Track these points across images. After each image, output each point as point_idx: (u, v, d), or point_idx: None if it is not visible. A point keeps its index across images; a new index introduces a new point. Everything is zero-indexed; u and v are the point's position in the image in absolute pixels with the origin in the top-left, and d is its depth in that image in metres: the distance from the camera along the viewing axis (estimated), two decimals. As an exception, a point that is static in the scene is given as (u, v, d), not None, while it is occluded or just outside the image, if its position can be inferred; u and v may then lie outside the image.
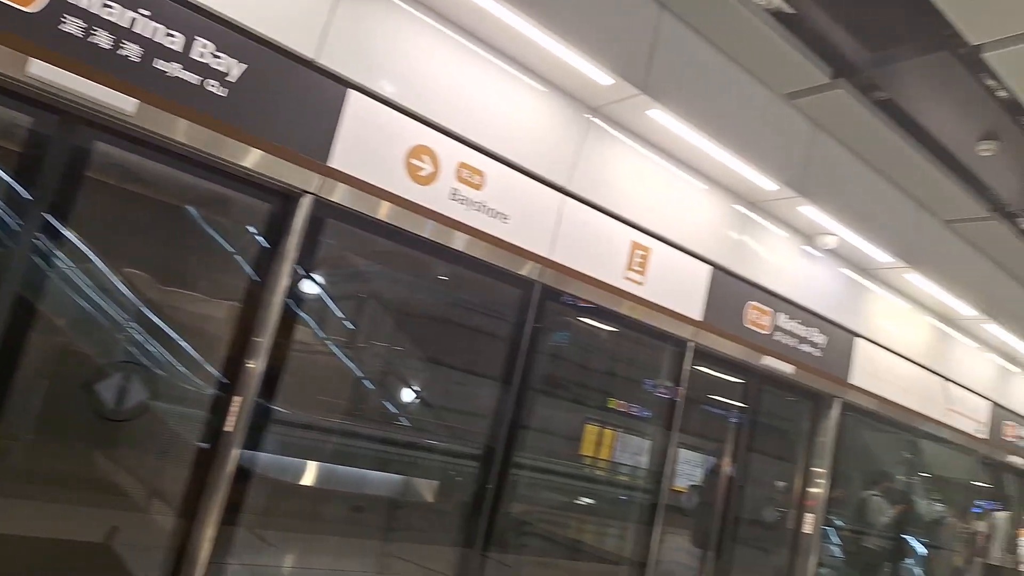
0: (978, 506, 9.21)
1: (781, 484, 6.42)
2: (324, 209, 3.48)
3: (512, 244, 4.16)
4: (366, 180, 3.58)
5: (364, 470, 4.34)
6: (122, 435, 3.39)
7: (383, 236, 3.79)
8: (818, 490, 6.25)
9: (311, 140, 3.42)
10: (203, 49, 3.11)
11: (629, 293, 4.77)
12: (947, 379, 7.64)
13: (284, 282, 3.37)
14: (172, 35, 3.03)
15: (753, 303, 5.59)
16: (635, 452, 5.42)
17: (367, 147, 3.60)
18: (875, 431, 7.28)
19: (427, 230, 3.84)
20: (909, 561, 7.95)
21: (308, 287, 3.63)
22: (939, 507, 8.56)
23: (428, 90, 3.81)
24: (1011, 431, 8.84)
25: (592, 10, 4.03)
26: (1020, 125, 4.81)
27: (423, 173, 3.79)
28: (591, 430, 5.41)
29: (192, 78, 3.08)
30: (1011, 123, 4.81)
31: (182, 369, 3.55)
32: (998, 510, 9.41)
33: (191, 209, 3.61)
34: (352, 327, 4.41)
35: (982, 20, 3.94)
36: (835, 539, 7.08)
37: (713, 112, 4.64)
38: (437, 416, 4.83)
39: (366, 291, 4.44)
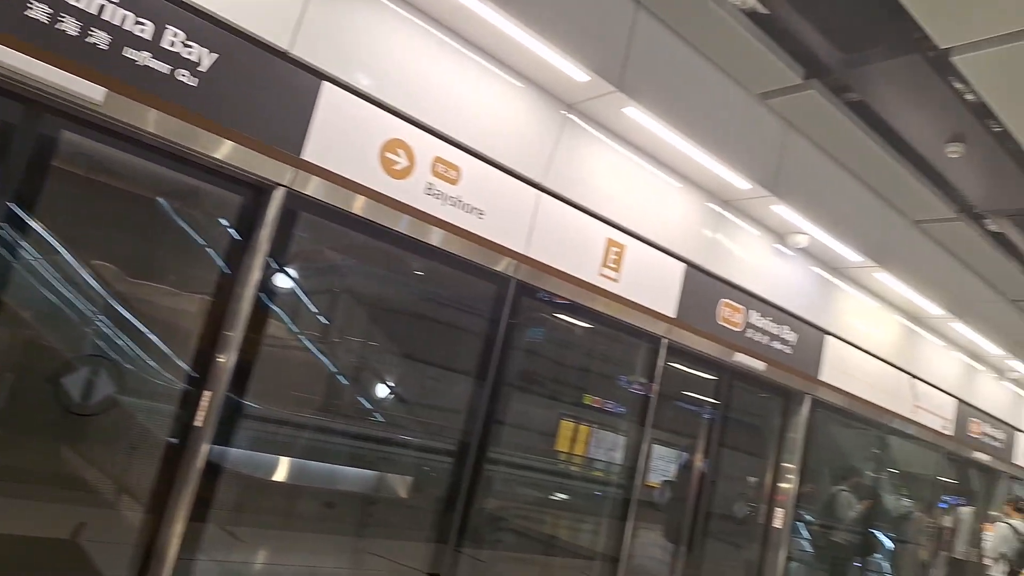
0: (944, 501, 9.40)
1: (752, 479, 6.50)
2: (297, 202, 3.45)
3: (487, 240, 4.15)
4: (340, 173, 3.56)
5: (337, 466, 4.32)
6: (89, 430, 3.34)
7: (357, 230, 3.77)
8: (788, 485, 6.34)
9: (284, 132, 3.39)
10: (173, 38, 3.06)
11: (604, 290, 4.79)
12: (914, 377, 7.79)
13: (256, 276, 3.34)
14: (142, 23, 2.98)
15: (726, 301, 5.64)
16: (609, 448, 5.45)
17: (341, 140, 3.58)
18: (844, 427, 7.40)
19: (402, 224, 3.82)
20: (877, 555, 8.09)
21: (280, 281, 3.60)
22: (906, 502, 8.73)
23: (403, 83, 3.79)
24: (976, 428, 9.04)
25: (569, 7, 4.04)
26: (987, 128, 4.91)
27: (398, 167, 3.78)
28: (566, 426, 5.43)
29: (162, 67, 3.03)
30: (978, 126, 4.90)
31: (151, 363, 3.50)
32: (963, 505, 9.61)
33: (161, 201, 3.55)
34: (326, 322, 4.38)
35: (951, 24, 4.01)
36: (805, 534, 7.19)
37: (687, 111, 4.67)
38: (411, 412, 4.82)
39: (340, 285, 4.41)
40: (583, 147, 4.65)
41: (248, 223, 3.39)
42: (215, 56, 3.16)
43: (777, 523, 6.28)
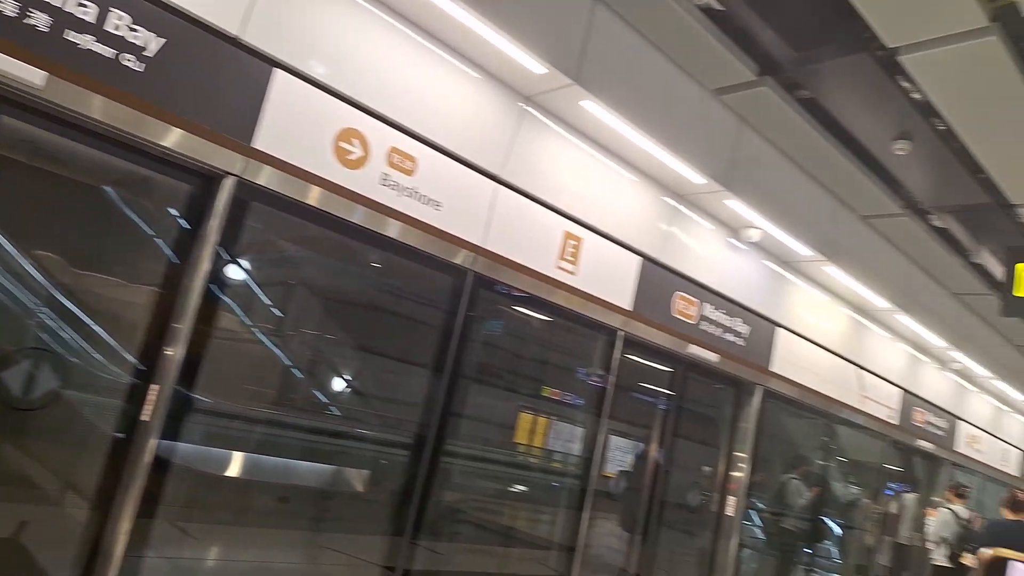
0: (890, 489, 9.71)
1: (705, 469, 6.62)
2: (248, 191, 3.39)
3: (444, 231, 4.14)
4: (292, 163, 3.50)
5: (291, 460, 4.27)
6: (31, 425, 3.23)
7: (311, 221, 3.72)
8: (740, 474, 6.47)
9: (234, 120, 3.32)
10: (118, 21, 2.96)
11: (561, 282, 4.82)
12: (862, 368, 8.01)
13: (205, 267, 3.26)
14: (84, 5, 2.88)
15: (681, 293, 5.72)
16: (566, 439, 5.49)
17: (294, 128, 3.52)
18: (794, 417, 7.59)
19: (357, 216, 3.78)
20: (826, 541, 8.33)
21: (231, 272, 3.53)
22: (854, 489, 8.99)
23: (358, 72, 3.74)
24: (920, 417, 9.34)
25: (526, -1, 4.04)
26: (932, 126, 5.06)
27: (352, 157, 3.73)
28: (523, 418, 5.46)
29: (106, 51, 2.94)
30: (924, 124, 5.04)
31: (96, 356, 3.41)
32: (908, 492, 9.94)
33: (108, 189, 3.45)
34: (279, 314, 4.31)
35: (899, 24, 4.11)
36: (756, 521, 7.36)
37: (643, 105, 4.71)
38: (367, 405, 4.79)
39: (294, 277, 4.35)
40: (541, 140, 4.66)
41: (197, 213, 3.32)
42: (162, 41, 3.08)
43: (729, 511, 6.41)
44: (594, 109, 4.50)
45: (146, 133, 3.07)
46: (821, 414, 7.59)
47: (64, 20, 2.83)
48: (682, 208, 5.70)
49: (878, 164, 5.86)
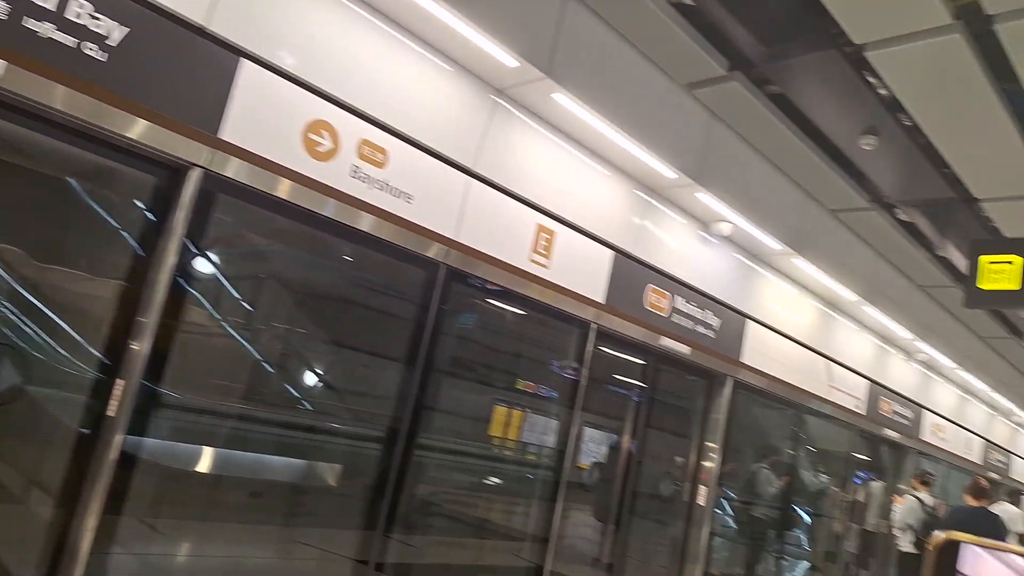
0: (858, 477, 9.89)
1: (677, 459, 6.70)
2: (215, 183, 3.34)
3: (416, 224, 4.12)
4: (260, 154, 3.46)
5: (263, 455, 4.24)
6: (-7, 421, 3.18)
7: (281, 214, 3.68)
8: (711, 464, 6.55)
9: (200, 111, 3.27)
10: (79, 9, 2.90)
11: (534, 275, 4.83)
12: (830, 359, 8.14)
13: (171, 260, 3.21)
14: (44, -8, 2.82)
15: (653, 286, 5.77)
16: (540, 432, 5.52)
17: (261, 120, 3.47)
18: (764, 408, 7.70)
19: (328, 208, 3.75)
20: (796, 530, 8.48)
21: (198, 265, 3.49)
22: (823, 478, 9.15)
23: (327, 63, 3.71)
24: (886, 407, 9.52)
25: (498, -9, 4.02)
26: (899, 122, 5.14)
27: (322, 149, 3.70)
28: (496, 410, 5.47)
29: (68, 40, 2.88)
30: (891, 119, 5.12)
31: (60, 351, 3.36)
32: (874, 480, 10.15)
33: (71, 181, 3.39)
34: (249, 308, 4.27)
35: (866, 21, 4.16)
36: (728, 510, 7.47)
37: (615, 99, 4.73)
38: (339, 399, 4.76)
39: (264, 270, 4.31)
40: (513, 133, 4.66)
41: (163, 205, 3.26)
42: (126, 30, 3.02)
43: (701, 500, 6.49)
44: (566, 103, 4.51)
45: (110, 124, 3.01)
46: (790, 404, 7.71)
47: (23, 7, 2.77)
48: (654, 202, 5.74)
49: (846, 159, 5.94)
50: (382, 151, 3.95)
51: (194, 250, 3.37)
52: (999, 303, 5.56)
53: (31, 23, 2.79)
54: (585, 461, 6.36)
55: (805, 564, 8.85)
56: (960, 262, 7.37)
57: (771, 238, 6.27)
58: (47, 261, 3.41)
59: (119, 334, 3.18)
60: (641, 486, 6.14)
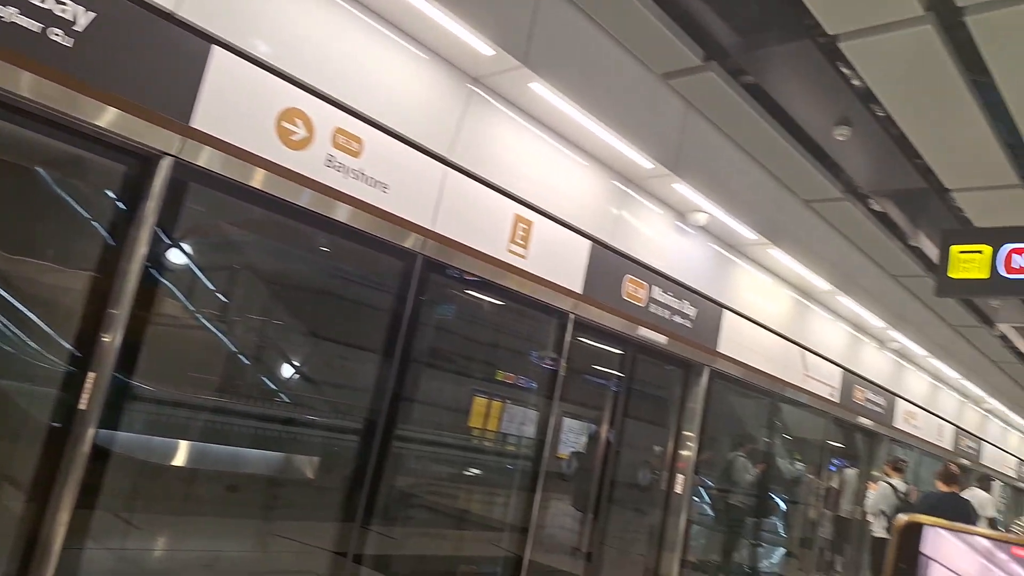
0: (833, 464, 10.04)
1: (655, 448, 6.75)
2: (187, 172, 3.29)
3: (392, 214, 4.10)
4: (233, 143, 3.41)
5: (240, 448, 4.20)
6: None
7: (255, 203, 3.64)
8: (688, 453, 6.61)
9: (171, 99, 3.21)
10: (44, -7, 2.84)
11: (512, 266, 4.83)
12: (804, 348, 8.24)
13: (142, 250, 3.16)
14: (7, -24, 2.75)
15: (630, 276, 5.79)
16: (519, 422, 5.53)
17: (234, 108, 3.42)
18: (740, 396, 7.78)
19: (303, 198, 3.71)
20: (772, 517, 8.60)
21: (170, 256, 3.44)
22: (798, 466, 9.28)
23: (300, 50, 3.66)
24: (860, 395, 9.67)
25: (473, -21, 4.00)
26: (872, 112, 5.19)
27: (296, 137, 3.65)
28: (474, 401, 5.47)
29: (32, 25, 2.81)
30: (864, 110, 5.18)
31: (30, 343, 3.30)
32: (848, 467, 10.31)
33: (39, 171, 3.32)
34: (223, 299, 4.22)
35: (839, 11, 4.20)
36: (705, 498, 7.55)
37: (592, 88, 4.73)
38: (316, 391, 4.73)
39: (239, 261, 4.26)
40: (490, 122, 4.64)
41: (133, 194, 3.21)
42: (92, 15, 2.95)
43: (678, 489, 6.55)
44: (543, 92, 4.50)
45: (77, 111, 2.95)
46: (766, 393, 7.79)
47: (-15, -9, 2.70)
48: (631, 192, 5.76)
49: (820, 149, 6.00)
50: (357, 140, 3.92)
51: (166, 240, 3.32)
52: (969, 292, 5.65)
53: (-6, 7, 2.72)
54: (564, 451, 6.38)
55: (781, 550, 8.98)
56: (931, 252, 7.48)
57: (746, 228, 6.32)
58: (15, 252, 3.34)
59: (90, 326, 3.13)
60: (619, 475, 6.18)
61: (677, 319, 6.27)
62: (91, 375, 3.09)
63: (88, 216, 3.43)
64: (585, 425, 6.62)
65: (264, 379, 4.54)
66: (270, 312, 4.49)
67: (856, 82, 4.85)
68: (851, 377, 9.32)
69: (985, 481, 10.73)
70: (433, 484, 5.39)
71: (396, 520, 4.89)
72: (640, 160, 5.24)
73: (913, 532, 0.80)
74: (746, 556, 8.03)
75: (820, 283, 7.65)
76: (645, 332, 5.93)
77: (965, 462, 13.29)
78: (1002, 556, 0.75)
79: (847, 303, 8.31)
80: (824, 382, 8.68)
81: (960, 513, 6.10)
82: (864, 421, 9.85)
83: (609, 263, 5.58)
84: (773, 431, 8.27)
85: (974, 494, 9.84)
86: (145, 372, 3.34)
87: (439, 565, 5.14)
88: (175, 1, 3.19)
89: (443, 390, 5.28)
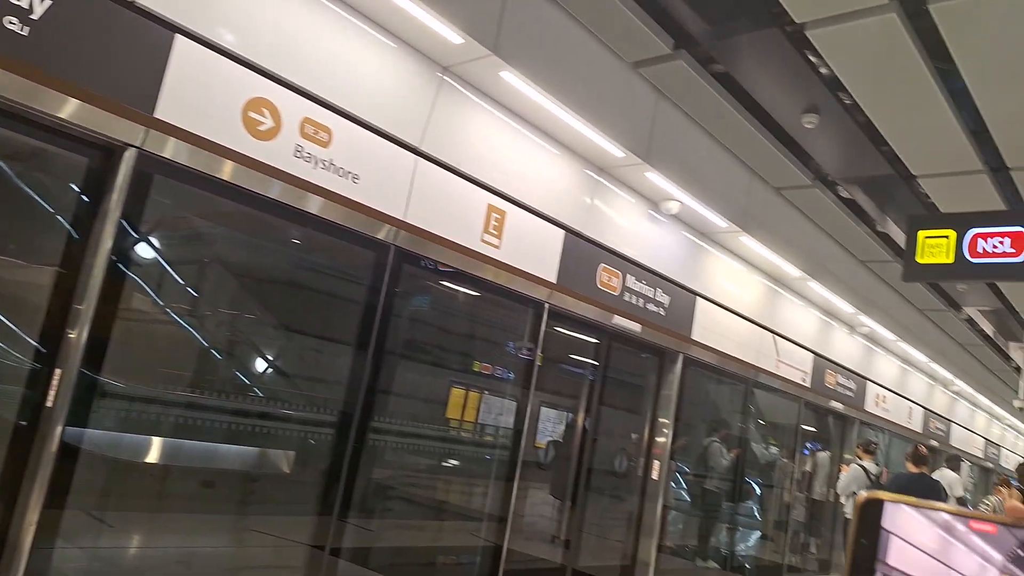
0: (806, 448, 10.19)
1: (631, 435, 6.81)
2: (152, 164, 3.24)
3: (363, 205, 4.07)
4: (198, 133, 3.35)
5: (214, 443, 4.16)
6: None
7: (223, 195, 3.59)
8: (664, 439, 6.68)
9: (133, 89, 3.15)
10: (-3, -20, 2.77)
11: (486, 256, 4.82)
12: (776, 333, 8.34)
13: (107, 245, 3.11)
14: (-41, -37, 2.68)
15: (604, 265, 5.81)
16: (496, 412, 5.54)
17: (198, 98, 3.37)
18: (715, 383, 7.87)
19: (273, 190, 3.67)
20: (748, 501, 8.72)
21: (137, 249, 3.39)
22: (772, 450, 9.42)
23: (266, 39, 3.61)
24: (831, 379, 9.82)
25: (442, -33, 3.97)
26: (839, 100, 5.25)
27: (263, 128, 3.61)
28: (450, 392, 5.47)
29: (-14, 14, 2.74)
30: (831, 98, 5.23)
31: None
32: (821, 450, 10.47)
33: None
34: (193, 293, 4.17)
35: (807, 0, 4.24)
36: (681, 483, 7.63)
37: (563, 77, 4.72)
38: (291, 384, 4.70)
39: (208, 254, 4.21)
40: (461, 112, 4.62)
41: (97, 187, 3.15)
42: (49, 2, 2.88)
43: (654, 475, 6.61)
44: (513, 81, 4.48)
45: (36, 102, 2.89)
46: (740, 379, 7.88)
47: (-64, -21, 2.63)
48: (604, 181, 5.77)
49: (789, 137, 6.05)
50: (326, 130, 3.88)
51: (132, 234, 3.27)
52: (936, 276, 5.77)
53: (-54, -4, 2.65)
54: (541, 440, 6.41)
55: (756, 533, 9.12)
56: (899, 237, 7.60)
57: (718, 216, 6.37)
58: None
59: (55, 322, 3.08)
60: (596, 463, 6.22)
61: (651, 307, 6.31)
62: (57, 372, 3.04)
63: (51, 210, 3.36)
64: (562, 414, 6.64)
65: (237, 373, 4.50)
66: (241, 306, 4.44)
67: (824, 70, 4.89)
68: (822, 362, 9.46)
69: (954, 461, 10.94)
70: (411, 476, 5.38)
71: (374, 512, 4.88)
72: (612, 149, 5.25)
73: (874, 508, 0.81)
74: (722, 540, 8.14)
75: (791, 270, 7.74)
76: (619, 320, 5.96)
77: (934, 443, 13.58)
78: (961, 529, 0.77)
79: (817, 289, 8.41)
80: (796, 367, 8.80)
81: (930, 493, 6.24)
82: (836, 405, 10.00)
83: (583, 252, 5.60)
84: (747, 416, 8.37)
85: (943, 474, 10.07)
86: (113, 368, 3.30)
87: (418, 556, 5.15)
88: (135, -12, 3.13)
89: (418, 382, 5.27)
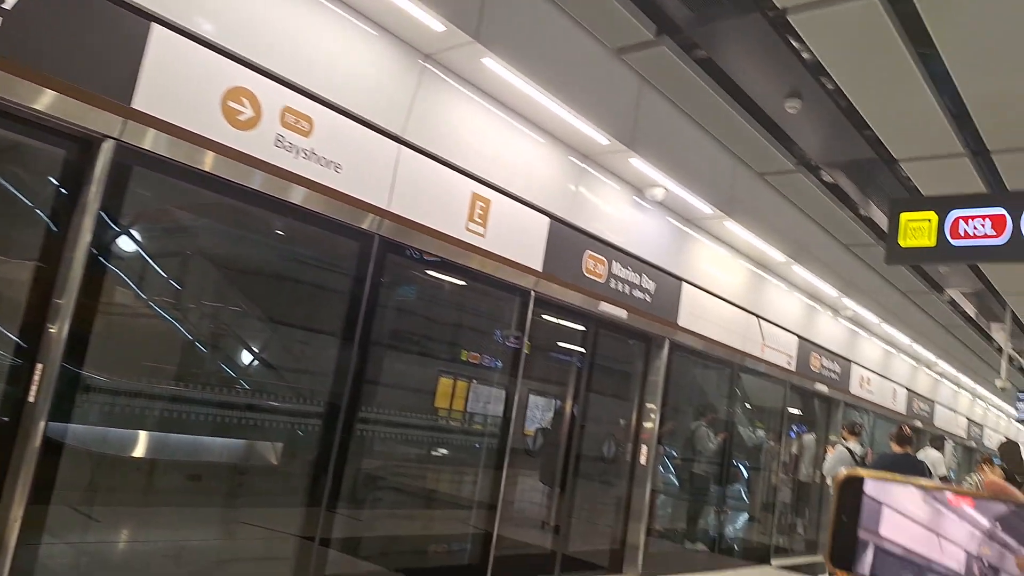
0: (792, 431, 10.30)
1: (619, 421, 6.84)
2: (130, 155, 3.20)
3: (346, 194, 4.04)
4: (177, 124, 3.31)
5: (201, 436, 4.14)
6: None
7: (204, 186, 3.55)
8: (651, 424, 6.72)
9: (110, 79, 3.11)
10: (-33, -30, 2.71)
11: (471, 245, 4.81)
12: (762, 318, 8.40)
13: (86, 237, 3.08)
14: (-73, -48, 2.62)
15: (590, 252, 5.82)
16: (484, 401, 5.55)
17: (176, 88, 3.33)
18: (701, 368, 7.91)
19: (254, 180, 3.64)
20: (736, 484, 8.80)
21: (118, 242, 3.35)
22: (759, 433, 9.50)
23: (245, 28, 3.56)
24: (816, 362, 9.91)
25: (422, -47, 3.93)
26: (822, 85, 5.26)
27: (243, 117, 3.57)
28: (438, 381, 5.47)
29: (-44, 3, 2.69)
30: (814, 83, 5.24)
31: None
32: (807, 433, 10.58)
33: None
34: (175, 285, 4.13)
35: (789, -16, 4.23)
36: (669, 468, 7.69)
37: (546, 64, 4.70)
38: (276, 376, 4.68)
39: (190, 246, 4.17)
40: (444, 99, 4.59)
41: (75, 180, 3.11)
42: (21, -8, 2.84)
43: (642, 460, 6.66)
44: (496, 68, 4.46)
45: (10, 94, 2.84)
46: (726, 363, 7.94)
47: (-96, -32, 2.57)
48: (588, 168, 5.77)
49: (772, 122, 6.05)
50: (307, 119, 3.84)
51: (112, 227, 3.23)
52: (918, 259, 5.83)
53: (-86, -15, 2.59)
54: (530, 427, 6.43)
55: (744, 515, 9.21)
56: (882, 221, 7.65)
57: (702, 202, 6.38)
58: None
59: (35, 317, 3.04)
60: (585, 449, 6.25)
61: (637, 293, 6.33)
62: (39, 367, 3.01)
63: (29, 203, 3.31)
64: (550, 401, 6.67)
65: (222, 366, 4.48)
66: (225, 298, 4.41)
67: (806, 55, 4.89)
68: (807, 345, 9.54)
69: (938, 441, 11.09)
70: (400, 465, 5.39)
71: (363, 502, 4.88)
72: (596, 136, 5.24)
73: (854, 485, 0.82)
74: (711, 522, 8.22)
75: (775, 254, 7.78)
76: (606, 307, 5.97)
77: (919, 424, 13.76)
78: (939, 505, 0.78)
79: (802, 273, 8.47)
80: (781, 351, 8.87)
81: (914, 472, 6.31)
82: (821, 387, 10.10)
83: (568, 239, 5.60)
84: (734, 400, 8.44)
85: (927, 454, 10.20)
86: (96, 362, 3.27)
87: (408, 545, 5.16)
88: (109, -23, 3.07)
89: (406, 371, 5.26)
